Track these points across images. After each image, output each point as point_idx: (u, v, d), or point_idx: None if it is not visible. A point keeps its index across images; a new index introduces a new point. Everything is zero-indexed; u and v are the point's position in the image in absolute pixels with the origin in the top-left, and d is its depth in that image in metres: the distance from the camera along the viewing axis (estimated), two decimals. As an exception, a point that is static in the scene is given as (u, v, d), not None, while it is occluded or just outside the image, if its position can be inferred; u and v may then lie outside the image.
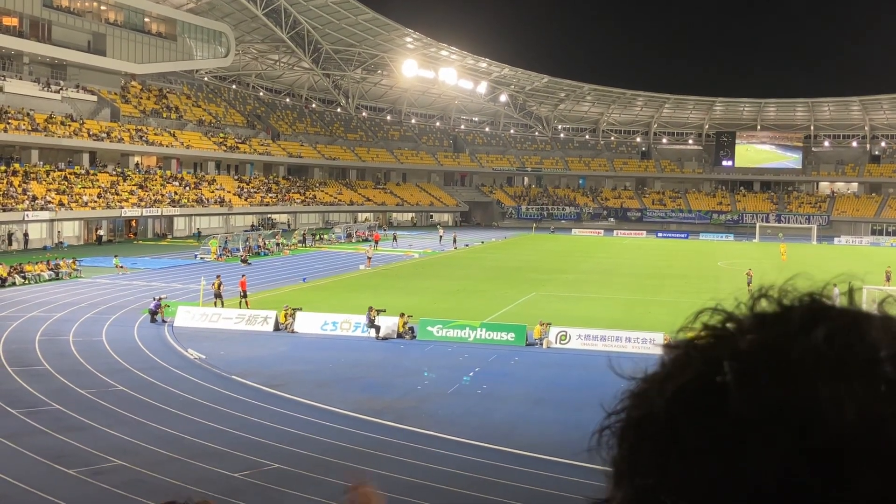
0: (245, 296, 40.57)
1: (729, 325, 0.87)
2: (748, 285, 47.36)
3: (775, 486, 0.76)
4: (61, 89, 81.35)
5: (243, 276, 44.09)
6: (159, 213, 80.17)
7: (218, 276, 41.48)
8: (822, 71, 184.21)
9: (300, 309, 36.57)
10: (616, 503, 0.86)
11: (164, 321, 36.19)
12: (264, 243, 70.83)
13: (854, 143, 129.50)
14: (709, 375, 0.82)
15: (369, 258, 60.00)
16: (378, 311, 34.82)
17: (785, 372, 0.80)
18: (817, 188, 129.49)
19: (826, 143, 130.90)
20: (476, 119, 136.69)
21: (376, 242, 77.00)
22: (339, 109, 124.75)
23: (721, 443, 0.79)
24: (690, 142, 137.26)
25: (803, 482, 0.76)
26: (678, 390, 0.84)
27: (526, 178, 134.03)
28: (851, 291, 0.88)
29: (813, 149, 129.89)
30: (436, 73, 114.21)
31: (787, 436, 0.77)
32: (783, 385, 0.79)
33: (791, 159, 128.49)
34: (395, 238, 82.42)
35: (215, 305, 38.93)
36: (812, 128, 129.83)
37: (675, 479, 0.80)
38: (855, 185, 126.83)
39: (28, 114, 74.58)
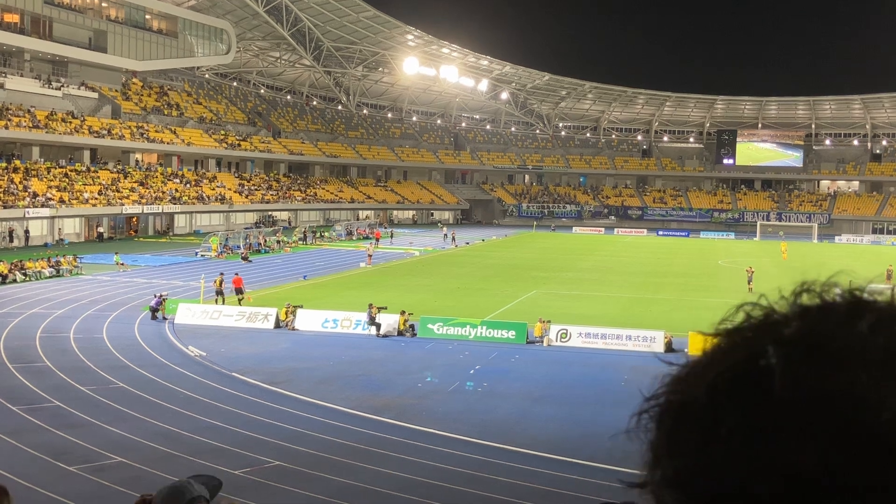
0: (241, 293, 40.49)
1: (773, 315, 0.88)
2: (748, 283, 47.43)
3: (815, 470, 0.77)
4: (62, 86, 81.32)
5: (237, 273, 43.93)
6: (160, 211, 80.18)
7: (221, 274, 41.63)
8: (823, 69, 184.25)
9: (301, 306, 36.61)
10: (653, 485, 0.87)
11: (164, 318, 36.24)
12: (265, 241, 70.85)
13: (855, 142, 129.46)
14: (752, 360, 0.83)
15: (370, 256, 60.05)
16: (379, 309, 34.83)
17: (830, 359, 0.80)
18: (818, 186, 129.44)
19: (827, 142, 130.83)
20: (477, 117, 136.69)
21: (377, 240, 77.04)
22: (340, 107, 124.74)
23: (763, 426, 0.80)
24: (691, 140, 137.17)
25: (843, 469, 0.77)
26: (720, 374, 0.85)
27: (527, 176, 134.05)
28: (893, 289, 0.91)
29: (814, 147, 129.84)
30: (437, 71, 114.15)
31: (830, 422, 0.77)
32: (828, 371, 0.80)
33: (792, 157, 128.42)
34: (391, 235, 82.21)
35: (216, 303, 38.99)
36: (813, 126, 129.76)
37: (715, 461, 0.81)
38: (856, 183, 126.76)
39: (29, 111, 74.59)
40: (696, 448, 0.83)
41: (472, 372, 28.70)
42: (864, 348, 0.81)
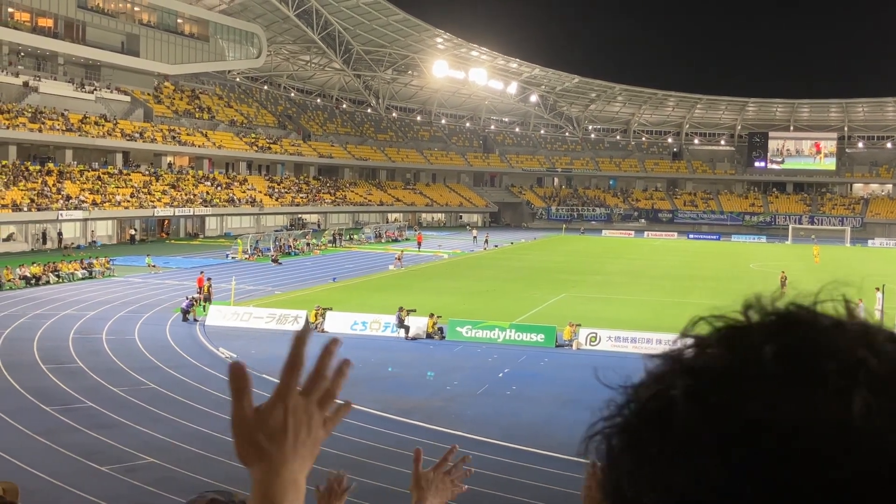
0: (200, 292, 39.72)
1: (702, 337, 0.90)
2: (782, 288, 46.86)
3: (714, 497, 0.80)
4: (95, 90, 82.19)
5: (201, 272, 43.35)
6: (191, 213, 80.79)
7: (209, 279, 41.51)
8: (856, 71, 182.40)
9: (330, 308, 36.71)
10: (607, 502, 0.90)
11: (195, 320, 36.49)
12: (294, 243, 71.18)
13: (889, 145, 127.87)
14: (669, 389, 0.87)
15: (398, 258, 60.13)
16: (408, 312, 34.88)
17: (727, 388, 0.83)
18: (851, 190, 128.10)
19: (860, 145, 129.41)
20: (506, 119, 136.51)
21: (419, 244, 76.59)
22: (369, 110, 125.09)
23: (672, 455, 0.83)
24: (722, 142, 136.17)
25: (738, 496, 0.79)
26: (647, 401, 0.88)
27: (556, 179, 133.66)
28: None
29: (847, 150, 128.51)
30: (466, 74, 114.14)
31: (724, 450, 0.80)
32: (726, 403, 0.82)
33: (824, 161, 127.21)
34: (408, 238, 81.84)
35: (203, 307, 38.52)
36: (846, 129, 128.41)
37: (640, 487, 0.85)
38: (889, 186, 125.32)
39: (62, 114, 75.43)
40: (629, 472, 0.87)
41: (500, 375, 28.68)
42: (763, 377, 0.82)
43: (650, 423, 0.87)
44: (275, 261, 60.93)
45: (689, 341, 0.91)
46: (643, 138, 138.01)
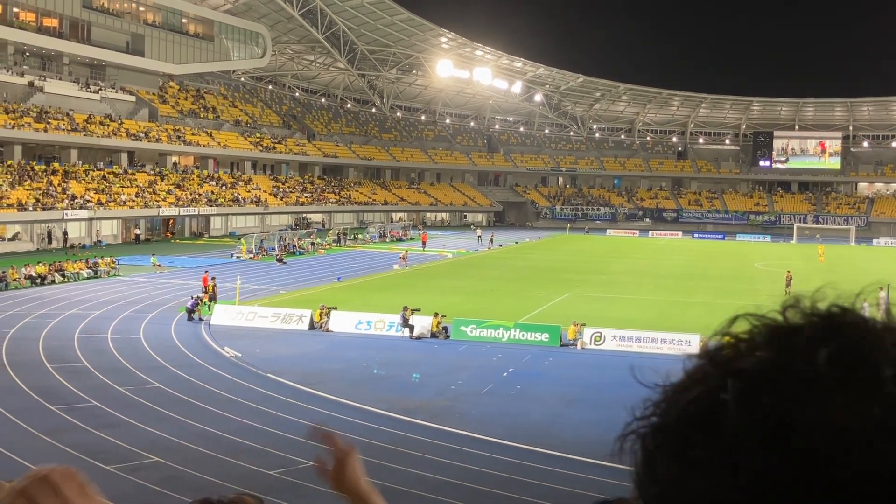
0: (205, 292, 39.29)
1: (747, 338, 0.89)
2: (787, 287, 46.89)
3: (760, 502, 0.79)
4: (100, 89, 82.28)
5: (206, 272, 43.23)
6: (196, 213, 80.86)
7: (213, 278, 41.53)
8: (857, 71, 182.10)
9: (335, 308, 36.74)
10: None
11: (200, 319, 36.51)
12: (299, 242, 71.20)
13: (894, 144, 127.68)
14: (716, 392, 0.85)
15: (403, 258, 60.10)
16: (412, 311, 34.89)
17: (782, 393, 0.82)
18: (856, 189, 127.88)
19: (865, 144, 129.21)
20: (510, 119, 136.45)
21: (424, 244, 76.48)
22: (373, 109, 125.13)
23: (719, 458, 0.82)
24: (727, 142, 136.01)
25: (787, 501, 0.78)
26: (690, 403, 0.87)
27: (560, 179, 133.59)
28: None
29: (852, 149, 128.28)
30: (470, 73, 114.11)
31: (776, 454, 0.79)
32: (779, 406, 0.81)
33: (829, 160, 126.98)
34: (412, 238, 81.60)
35: (208, 306, 38.13)
36: (851, 128, 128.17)
37: (681, 490, 0.84)
38: (894, 185, 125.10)
39: (68, 114, 75.53)
40: (669, 474, 0.86)
41: (505, 375, 28.69)
42: (819, 381, 0.81)
43: (692, 425, 0.85)
44: (279, 260, 60.97)
45: (732, 342, 0.89)
46: (648, 137, 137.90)
